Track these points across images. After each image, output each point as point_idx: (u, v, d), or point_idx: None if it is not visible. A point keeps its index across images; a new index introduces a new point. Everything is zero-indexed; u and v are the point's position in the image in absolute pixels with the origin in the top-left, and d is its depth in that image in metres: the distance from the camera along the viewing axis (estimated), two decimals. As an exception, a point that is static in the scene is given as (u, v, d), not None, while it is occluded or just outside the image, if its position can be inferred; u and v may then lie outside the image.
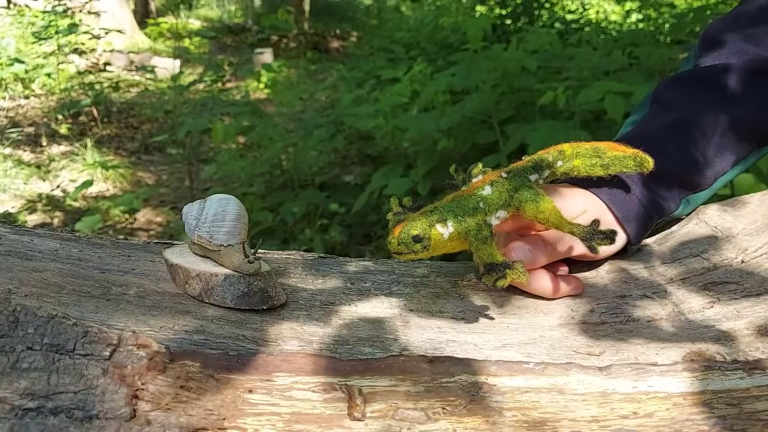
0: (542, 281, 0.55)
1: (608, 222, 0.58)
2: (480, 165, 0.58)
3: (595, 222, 0.52)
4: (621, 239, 0.59)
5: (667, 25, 3.58)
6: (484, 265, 0.50)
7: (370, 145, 3.13)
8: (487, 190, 0.53)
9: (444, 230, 0.51)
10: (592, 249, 0.51)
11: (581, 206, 0.58)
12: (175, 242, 0.60)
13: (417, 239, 0.50)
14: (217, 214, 0.52)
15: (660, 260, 0.60)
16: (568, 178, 0.60)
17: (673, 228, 0.64)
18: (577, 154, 0.57)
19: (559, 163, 0.57)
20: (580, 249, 0.57)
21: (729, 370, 0.44)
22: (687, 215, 0.65)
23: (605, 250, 0.58)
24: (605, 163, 0.57)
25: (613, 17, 4.61)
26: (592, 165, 0.57)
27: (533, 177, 0.55)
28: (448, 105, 2.49)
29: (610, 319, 0.52)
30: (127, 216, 3.05)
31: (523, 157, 0.57)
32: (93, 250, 0.56)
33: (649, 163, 0.58)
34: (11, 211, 3.09)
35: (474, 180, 0.56)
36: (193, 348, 0.42)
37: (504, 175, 0.55)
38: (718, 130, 0.63)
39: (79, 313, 0.43)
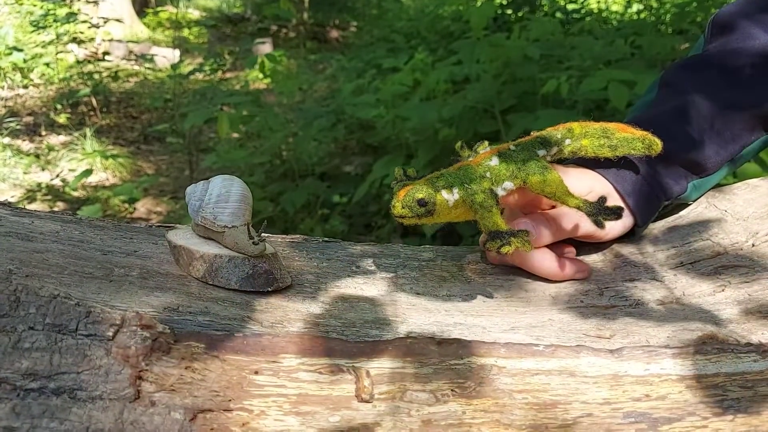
0: (548, 262, 0.54)
1: (615, 202, 0.58)
2: (486, 143, 0.57)
3: (602, 198, 0.51)
4: (628, 221, 0.58)
5: (668, 15, 3.56)
6: (488, 233, 0.49)
7: (371, 134, 3.11)
8: (495, 161, 0.52)
9: (449, 196, 0.50)
10: (599, 224, 0.51)
11: (587, 186, 0.57)
12: (178, 225, 0.59)
13: (422, 203, 0.49)
14: (221, 195, 0.51)
15: (669, 244, 0.59)
16: (575, 158, 0.59)
17: (682, 212, 0.63)
18: (586, 134, 0.56)
19: (567, 141, 0.56)
20: (585, 228, 0.56)
21: (742, 353, 0.43)
22: (695, 200, 0.65)
23: (613, 228, 0.57)
24: (613, 144, 0.57)
25: (614, 7, 4.58)
26: (600, 145, 0.57)
27: (541, 153, 0.55)
28: (450, 94, 2.47)
29: (620, 303, 0.51)
30: (127, 205, 3.04)
31: (532, 132, 0.57)
32: (95, 233, 0.55)
33: (658, 145, 0.57)
34: (11, 200, 3.08)
35: (481, 151, 0.56)
36: (198, 329, 0.42)
37: (512, 147, 0.54)
38: (726, 114, 0.62)
39: (81, 293, 0.43)
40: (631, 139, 0.57)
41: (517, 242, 0.48)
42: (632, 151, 0.57)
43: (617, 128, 0.57)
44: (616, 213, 0.50)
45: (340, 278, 0.54)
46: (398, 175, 0.55)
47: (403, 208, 0.50)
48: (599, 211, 0.51)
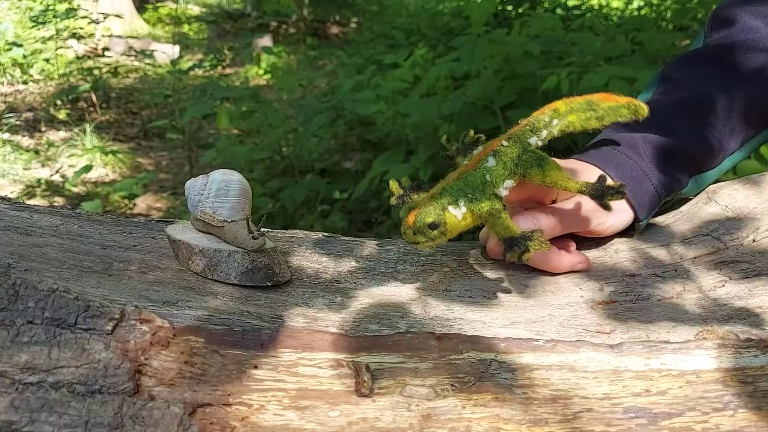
0: (548, 253, 0.54)
1: None
2: (472, 132, 0.57)
3: (602, 178, 0.51)
4: (628, 216, 0.58)
5: (669, 12, 3.56)
6: (503, 241, 0.49)
7: (371, 131, 3.11)
8: (491, 162, 0.52)
9: (457, 211, 0.50)
10: (605, 206, 0.50)
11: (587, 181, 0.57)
12: (178, 220, 0.59)
13: (433, 226, 0.48)
14: (221, 189, 0.51)
15: (670, 239, 0.59)
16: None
17: (683, 207, 0.63)
18: (571, 110, 0.57)
19: (555, 121, 0.56)
20: (586, 221, 0.56)
21: (743, 348, 0.43)
22: (695, 195, 0.64)
23: (613, 224, 0.57)
24: (600, 115, 0.57)
25: (615, 4, 4.57)
26: (587, 118, 0.57)
27: (533, 140, 0.54)
28: (450, 90, 2.47)
29: (620, 298, 0.51)
30: (126, 201, 3.04)
31: (519, 121, 0.56)
32: (94, 227, 0.55)
33: (644, 109, 0.58)
34: (10, 196, 3.07)
35: (474, 152, 0.55)
36: (197, 323, 0.42)
37: (504, 143, 0.54)
38: (727, 108, 0.62)
39: (80, 287, 0.43)
40: (616, 107, 0.57)
41: (534, 246, 0.48)
42: (619, 118, 0.58)
43: (601, 98, 0.58)
44: (619, 192, 0.50)
45: (339, 273, 0.54)
46: (395, 189, 0.54)
47: (416, 234, 0.49)
48: (603, 192, 0.50)
